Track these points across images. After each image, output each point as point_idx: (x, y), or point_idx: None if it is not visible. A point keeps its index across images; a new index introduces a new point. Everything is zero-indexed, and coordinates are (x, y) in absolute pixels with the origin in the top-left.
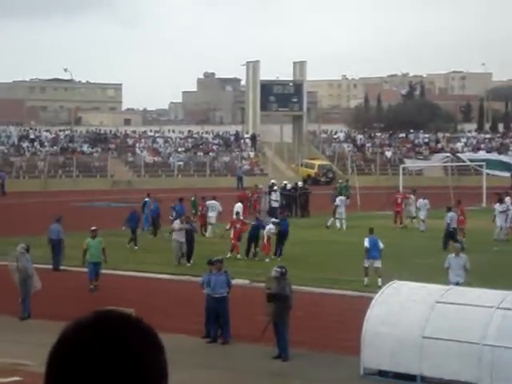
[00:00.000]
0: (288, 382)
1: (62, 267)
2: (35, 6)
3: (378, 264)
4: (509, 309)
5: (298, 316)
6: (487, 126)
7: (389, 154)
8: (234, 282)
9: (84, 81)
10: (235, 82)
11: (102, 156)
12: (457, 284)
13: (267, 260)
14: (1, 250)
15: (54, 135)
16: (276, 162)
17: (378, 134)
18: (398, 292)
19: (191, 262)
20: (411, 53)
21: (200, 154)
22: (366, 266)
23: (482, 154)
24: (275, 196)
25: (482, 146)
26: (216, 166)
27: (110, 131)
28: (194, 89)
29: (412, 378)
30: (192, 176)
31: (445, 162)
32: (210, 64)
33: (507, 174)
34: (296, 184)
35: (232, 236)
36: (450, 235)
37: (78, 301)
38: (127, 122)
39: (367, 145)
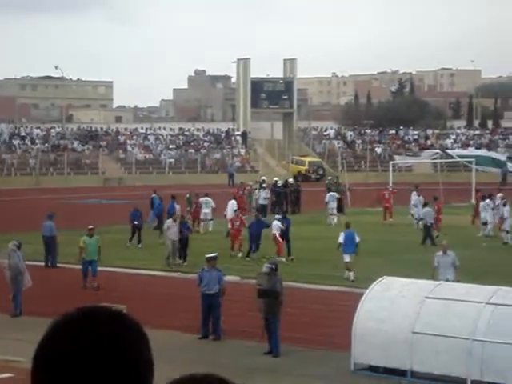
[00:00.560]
0: (279, 378)
1: (57, 264)
2: (26, 3)
3: (346, 259)
4: (498, 304)
5: (289, 312)
6: (476, 123)
7: (379, 150)
8: (225, 278)
9: (75, 78)
10: (226, 79)
11: (93, 153)
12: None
13: (284, 260)
14: None
15: (45, 132)
16: (267, 158)
17: (368, 131)
18: (387, 288)
19: (186, 262)
20: (401, 50)
21: (191, 151)
22: (346, 260)
23: (471, 151)
24: (265, 193)
25: (471, 142)
26: (207, 163)
27: (101, 128)
28: (185, 86)
29: (402, 373)
30: (183, 173)
31: (434, 159)
32: (200, 61)
33: (497, 171)
34: (286, 181)
35: (232, 233)
36: (429, 230)
37: (69, 298)
38: (118, 119)
39: (357, 141)
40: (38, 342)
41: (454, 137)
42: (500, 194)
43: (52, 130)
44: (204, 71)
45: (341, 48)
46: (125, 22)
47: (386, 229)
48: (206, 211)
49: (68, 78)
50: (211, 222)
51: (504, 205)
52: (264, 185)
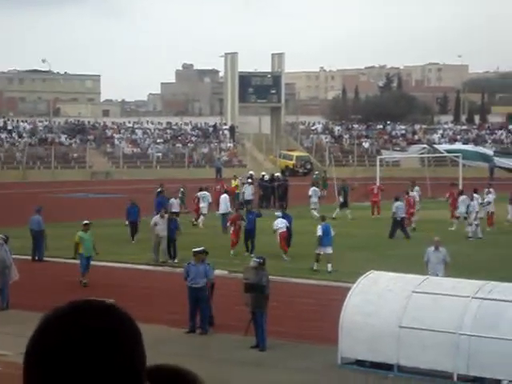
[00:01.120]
0: (266, 372)
1: (44, 258)
2: None
3: (329, 251)
4: (484, 298)
5: (275, 306)
6: (463, 118)
7: (366, 145)
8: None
9: (62, 72)
10: (213, 73)
11: (81, 147)
12: None
13: (286, 259)
14: None
15: (32, 126)
16: (254, 153)
17: (356, 126)
18: (375, 282)
19: (176, 259)
20: (388, 45)
21: (179, 145)
22: (319, 252)
23: (458, 145)
24: (251, 188)
25: (459, 137)
26: (195, 158)
27: (89, 122)
28: (173, 80)
29: (389, 367)
30: (171, 167)
31: (421, 154)
32: (188, 55)
33: (484, 165)
34: (273, 175)
35: (232, 232)
36: (398, 224)
37: (56, 292)
38: (106, 113)
39: (345, 136)
40: (28, 336)
41: (441, 132)
42: (491, 189)
43: (39, 124)
44: (192, 65)
45: (329, 42)
46: (113, 16)
47: (373, 223)
48: (202, 205)
49: (55, 71)
50: (204, 216)
51: (473, 199)
52: (249, 180)
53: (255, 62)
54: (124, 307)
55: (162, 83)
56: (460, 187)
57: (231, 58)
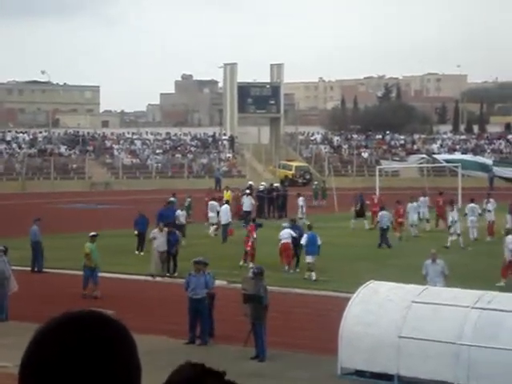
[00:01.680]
0: (266, 382)
1: (43, 269)
2: (12, 7)
3: (309, 259)
4: (484, 308)
5: (275, 316)
6: (462, 128)
7: (365, 155)
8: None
9: (62, 83)
10: (213, 84)
11: (80, 158)
12: None
13: (291, 271)
14: None
15: (31, 137)
16: (254, 163)
17: (355, 136)
18: (375, 292)
19: (176, 273)
20: (387, 55)
21: (178, 155)
22: (309, 261)
23: (457, 155)
24: (249, 199)
25: (458, 147)
26: (194, 168)
27: (88, 133)
28: (172, 91)
29: (389, 377)
30: (170, 178)
31: (420, 163)
32: (187, 66)
33: (483, 175)
34: (271, 185)
35: (249, 244)
36: (381, 233)
37: (56, 303)
38: (105, 123)
39: (344, 146)
40: (24, 347)
41: (440, 141)
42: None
43: (39, 135)
44: (191, 76)
45: (327, 53)
46: (112, 27)
47: (372, 233)
48: (211, 215)
49: (55, 82)
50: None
51: (452, 210)
52: (248, 191)
53: (254, 73)
54: (122, 318)
55: (161, 94)
56: (459, 197)
57: (230, 68)
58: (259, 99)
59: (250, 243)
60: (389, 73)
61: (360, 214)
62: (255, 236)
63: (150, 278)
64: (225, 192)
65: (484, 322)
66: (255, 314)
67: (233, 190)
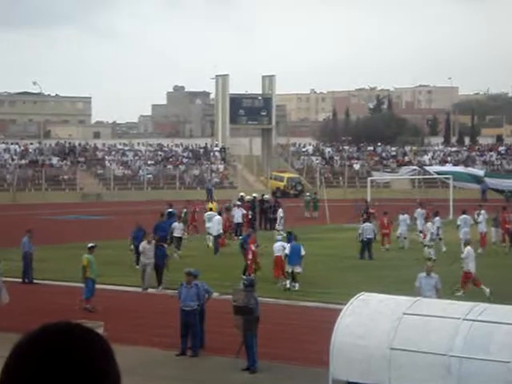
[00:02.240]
0: None
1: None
2: (3, 18)
3: (297, 269)
4: (475, 320)
5: (267, 328)
6: (454, 139)
7: (357, 166)
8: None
9: (53, 94)
10: (204, 95)
11: (71, 169)
12: None
13: (284, 283)
14: None
15: (23, 148)
16: (245, 174)
17: (346, 147)
18: (366, 303)
19: (161, 287)
20: (379, 67)
21: (169, 166)
22: (289, 271)
23: (448, 167)
24: (240, 211)
25: (449, 158)
26: (186, 179)
27: (80, 144)
28: (164, 102)
29: None
30: (162, 189)
31: (412, 175)
32: (179, 77)
33: (475, 186)
34: (262, 196)
35: (250, 256)
36: (363, 245)
37: (46, 314)
38: (96, 135)
39: (335, 158)
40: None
41: (431, 153)
42: (483, 211)
43: (30, 146)
44: (183, 87)
45: (319, 64)
46: (104, 38)
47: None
48: (208, 225)
49: (46, 93)
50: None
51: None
52: (238, 202)
53: (246, 84)
54: (114, 330)
55: (153, 105)
56: (451, 208)
57: (222, 80)
58: (251, 110)
59: (250, 256)
60: (380, 85)
61: (367, 220)
62: (254, 248)
63: (138, 289)
64: (209, 204)
65: (475, 334)
66: (246, 325)
67: (219, 202)
